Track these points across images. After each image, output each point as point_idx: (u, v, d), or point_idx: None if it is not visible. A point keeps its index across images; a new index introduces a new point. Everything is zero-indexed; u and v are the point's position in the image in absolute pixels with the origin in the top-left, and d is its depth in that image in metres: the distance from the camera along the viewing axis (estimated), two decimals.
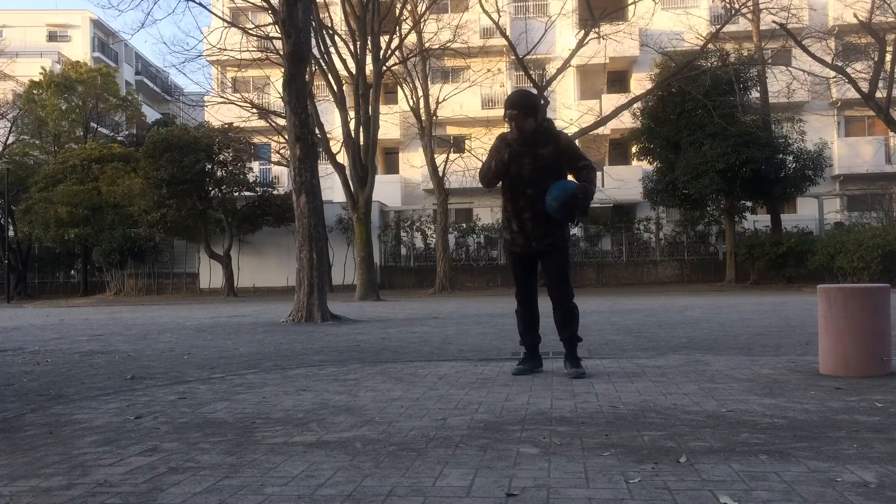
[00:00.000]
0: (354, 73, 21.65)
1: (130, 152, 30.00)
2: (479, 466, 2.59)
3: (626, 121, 26.58)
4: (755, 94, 24.79)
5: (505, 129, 4.94)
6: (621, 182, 29.58)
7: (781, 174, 23.65)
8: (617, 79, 34.20)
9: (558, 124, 28.11)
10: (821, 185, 25.93)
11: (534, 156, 4.67)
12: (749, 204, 25.59)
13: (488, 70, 30.37)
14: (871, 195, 27.90)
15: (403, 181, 33.52)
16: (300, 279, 11.60)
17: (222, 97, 26.79)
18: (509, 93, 4.75)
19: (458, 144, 31.03)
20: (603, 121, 24.32)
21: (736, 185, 23.06)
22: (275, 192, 28.10)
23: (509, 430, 3.16)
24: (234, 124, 26.24)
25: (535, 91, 4.66)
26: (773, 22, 21.85)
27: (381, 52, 21.89)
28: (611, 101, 29.88)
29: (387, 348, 7.28)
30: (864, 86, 21.80)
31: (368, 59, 21.56)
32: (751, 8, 23.74)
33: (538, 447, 2.85)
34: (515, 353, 6.13)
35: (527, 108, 4.71)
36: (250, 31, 21.81)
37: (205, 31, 29.90)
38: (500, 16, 24.39)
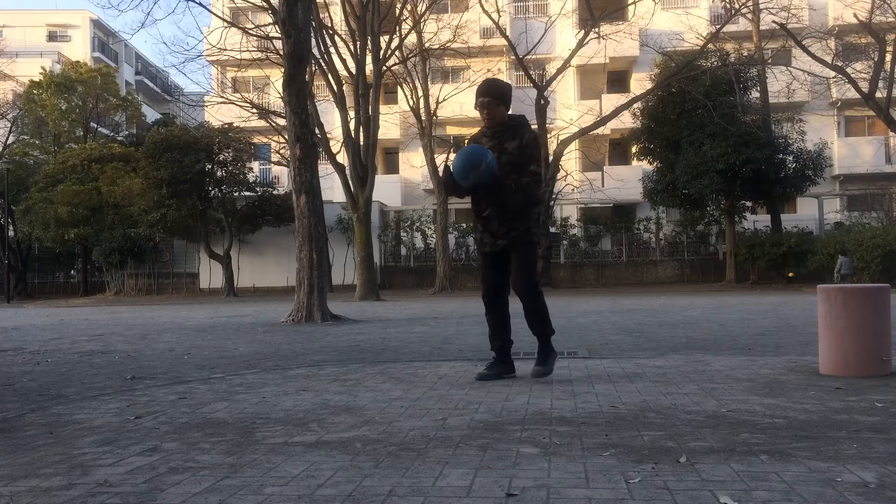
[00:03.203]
0: (354, 73, 21.65)
1: (130, 152, 30.01)
2: (479, 466, 2.59)
3: (626, 121, 26.58)
4: (755, 94, 24.80)
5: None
6: (621, 182, 29.59)
7: (781, 174, 23.65)
8: (617, 79, 34.20)
9: (558, 124, 27.88)
10: (821, 185, 25.94)
11: (500, 149, 4.52)
12: (749, 204, 25.60)
13: (488, 70, 30.36)
14: (871, 195, 27.93)
15: (403, 181, 33.52)
16: (300, 279, 11.59)
17: (222, 97, 26.81)
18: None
19: (458, 144, 31.02)
20: (603, 121, 24.33)
21: (736, 185, 23.05)
22: (275, 192, 28.11)
23: (509, 430, 3.16)
24: (234, 124, 26.26)
25: (505, 83, 4.51)
26: (773, 22, 21.86)
27: (381, 52, 21.90)
28: (611, 101, 29.89)
29: (387, 348, 7.27)
30: (864, 86, 21.80)
31: (368, 59, 21.56)
32: (751, 8, 23.75)
33: (538, 447, 2.85)
34: (515, 353, 6.11)
35: (498, 95, 4.56)
36: (250, 31, 21.82)
37: (205, 31, 29.94)
38: (500, 16, 24.40)
